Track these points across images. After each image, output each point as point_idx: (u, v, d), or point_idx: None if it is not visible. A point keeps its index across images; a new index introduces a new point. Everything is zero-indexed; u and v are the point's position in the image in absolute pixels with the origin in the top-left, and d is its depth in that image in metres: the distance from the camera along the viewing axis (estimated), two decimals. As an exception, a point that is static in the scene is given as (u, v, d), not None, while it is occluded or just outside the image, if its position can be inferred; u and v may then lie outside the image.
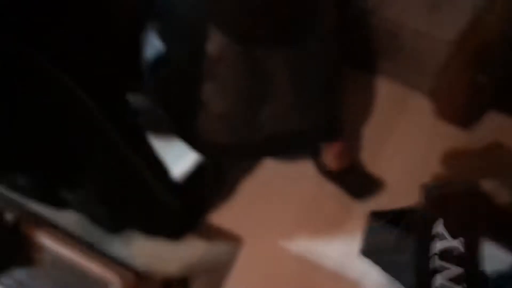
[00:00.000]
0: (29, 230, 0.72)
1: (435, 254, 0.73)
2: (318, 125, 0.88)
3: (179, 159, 1.05)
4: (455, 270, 0.71)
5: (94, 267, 0.69)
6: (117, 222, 0.79)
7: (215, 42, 0.74)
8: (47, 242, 0.71)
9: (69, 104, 0.50)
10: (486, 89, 0.98)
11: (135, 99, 1.10)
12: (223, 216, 1.09)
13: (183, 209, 0.92)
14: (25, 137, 0.47)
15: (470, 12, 0.87)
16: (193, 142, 0.94)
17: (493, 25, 0.83)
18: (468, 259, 0.71)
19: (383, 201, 1.05)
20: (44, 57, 0.46)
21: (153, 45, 0.83)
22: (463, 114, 1.11)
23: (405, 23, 1.01)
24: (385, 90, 1.23)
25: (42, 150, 0.50)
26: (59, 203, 0.85)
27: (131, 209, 0.75)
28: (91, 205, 0.68)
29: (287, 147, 0.94)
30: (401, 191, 1.05)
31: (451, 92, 1.06)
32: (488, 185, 0.98)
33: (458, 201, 0.79)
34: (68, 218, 1.00)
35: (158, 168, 0.80)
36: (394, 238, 0.84)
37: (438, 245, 0.73)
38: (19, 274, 0.70)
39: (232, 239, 1.05)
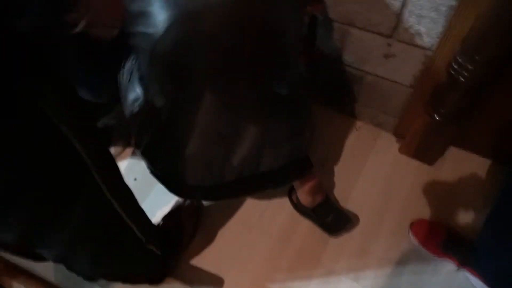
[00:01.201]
0: (4, 278, 0.72)
1: None
2: (289, 165, 0.92)
3: (157, 201, 1.07)
4: None
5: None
6: (98, 269, 0.79)
7: (193, 91, 0.79)
8: (23, 289, 0.71)
9: (62, 147, 0.52)
10: (444, 128, 1.05)
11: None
12: (201, 257, 1.09)
13: (163, 252, 0.93)
14: (17, 179, 0.48)
15: (421, 60, 0.97)
16: (170, 184, 0.97)
17: (442, 71, 0.92)
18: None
19: (356, 236, 1.09)
20: (46, 100, 0.46)
21: (135, 91, 0.88)
22: (424, 152, 1.18)
23: (366, 69, 1.10)
24: (354, 128, 1.31)
25: (31, 193, 0.51)
26: (38, 255, 0.85)
27: (114, 254, 0.76)
28: (72, 250, 0.68)
29: (261, 186, 0.97)
30: (373, 225, 1.10)
31: (412, 131, 1.14)
32: (447, 213, 1.09)
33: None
34: (45, 265, 0.99)
35: (140, 216, 0.81)
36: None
37: None
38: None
39: (211, 280, 1.05)
